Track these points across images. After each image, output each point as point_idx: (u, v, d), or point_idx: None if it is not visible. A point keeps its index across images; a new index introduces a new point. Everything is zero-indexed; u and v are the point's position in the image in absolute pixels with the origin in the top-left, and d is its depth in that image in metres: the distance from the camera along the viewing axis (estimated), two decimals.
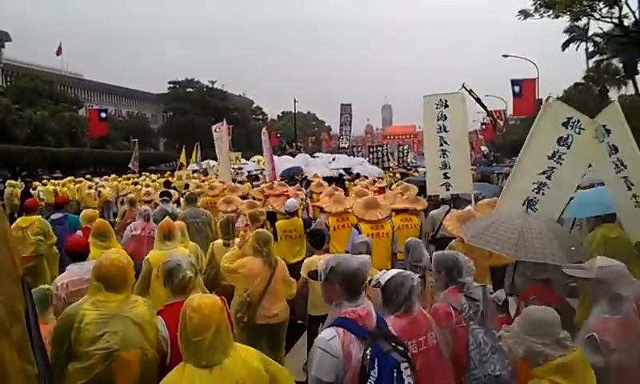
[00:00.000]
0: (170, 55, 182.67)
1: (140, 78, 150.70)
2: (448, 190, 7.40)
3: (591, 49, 40.06)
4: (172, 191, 11.58)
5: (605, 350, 2.69)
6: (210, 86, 77.46)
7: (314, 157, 30.08)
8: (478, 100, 44.93)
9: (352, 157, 31.88)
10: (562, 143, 4.64)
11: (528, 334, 2.40)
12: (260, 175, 21.90)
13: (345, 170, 23.24)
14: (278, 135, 68.16)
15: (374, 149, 36.35)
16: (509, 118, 59.18)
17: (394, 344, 2.55)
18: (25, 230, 6.77)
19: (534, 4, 28.17)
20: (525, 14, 29.46)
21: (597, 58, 40.33)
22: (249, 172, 25.86)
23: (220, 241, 5.97)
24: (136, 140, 34.43)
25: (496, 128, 47.51)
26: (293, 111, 70.16)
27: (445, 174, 7.27)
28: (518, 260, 4.15)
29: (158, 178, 22.57)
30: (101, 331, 2.91)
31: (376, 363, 2.42)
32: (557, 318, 2.47)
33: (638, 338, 2.74)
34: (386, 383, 2.41)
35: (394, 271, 3.05)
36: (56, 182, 22.58)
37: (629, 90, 36.73)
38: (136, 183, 19.35)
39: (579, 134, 4.58)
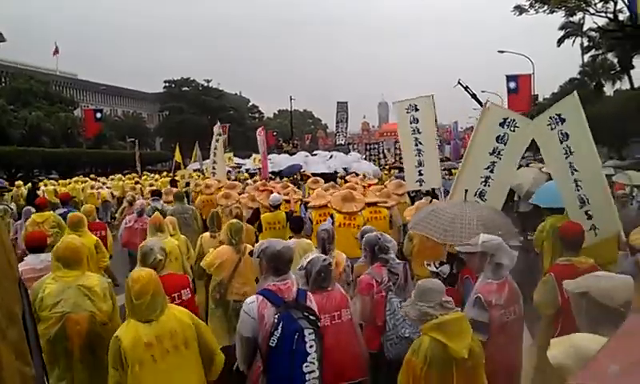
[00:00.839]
0: (165, 54, 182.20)
1: (135, 77, 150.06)
2: (421, 185, 8.05)
3: (586, 44, 40.10)
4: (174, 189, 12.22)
5: (488, 307, 3.38)
6: (206, 84, 77.30)
7: (314, 154, 30.55)
8: (473, 96, 45.13)
9: (349, 154, 32.13)
10: (499, 141, 5.51)
11: (419, 301, 2.95)
12: (258, 172, 22.34)
13: (344, 168, 23.60)
14: (275, 133, 68.11)
15: (371, 146, 36.42)
16: None
17: (305, 314, 3.09)
18: (41, 224, 7.49)
19: None
20: (520, 9, 29.50)
21: (592, 52, 40.37)
22: (247, 170, 26.15)
23: (207, 233, 6.47)
24: (136, 141, 34.54)
25: None
26: (289, 109, 70.21)
27: (419, 171, 7.85)
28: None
29: (162, 178, 23.13)
30: (58, 298, 3.65)
31: (280, 326, 2.97)
32: (441, 286, 3.07)
33: (511, 296, 3.49)
34: (287, 342, 2.95)
35: (312, 255, 3.71)
36: (56, 182, 23.16)
37: (624, 84, 36.82)
38: (137, 183, 19.97)
39: (514, 131, 5.46)
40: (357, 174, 17.87)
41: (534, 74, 36.91)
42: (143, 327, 3.02)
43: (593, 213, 4.99)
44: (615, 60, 35.82)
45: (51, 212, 8.21)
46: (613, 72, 39.50)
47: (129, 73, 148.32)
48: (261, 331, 3.06)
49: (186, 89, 75.84)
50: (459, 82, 43.77)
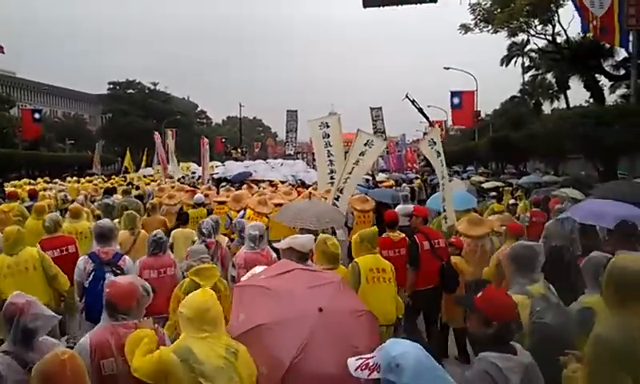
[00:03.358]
0: (111, 57, 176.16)
1: (78, 78, 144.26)
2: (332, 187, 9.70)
3: (527, 64, 41.86)
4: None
5: (237, 267, 5.44)
6: (152, 87, 75.47)
7: (267, 162, 31.45)
8: (420, 110, 45.91)
9: (295, 162, 32.75)
10: (360, 154, 8.19)
11: (189, 258, 4.73)
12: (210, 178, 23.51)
13: (292, 176, 24.10)
14: (224, 140, 67.31)
15: None
16: (449, 129, 61.00)
17: (113, 269, 5.00)
18: (7, 213, 9.16)
19: (474, 19, 29.13)
20: (465, 28, 30.33)
21: (532, 72, 42.20)
22: (200, 177, 26.58)
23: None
24: (102, 142, 35.17)
25: None
26: (238, 116, 69.63)
27: (331, 176, 9.66)
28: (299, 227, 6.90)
29: (116, 181, 23.86)
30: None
31: (92, 274, 4.94)
32: (203, 249, 4.92)
33: (265, 263, 4.89)
34: (95, 285, 4.75)
35: (153, 233, 5.58)
36: (17, 183, 23.29)
37: (561, 103, 38.64)
38: (95, 184, 20.57)
39: (370, 147, 8.23)
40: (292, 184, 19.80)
41: (477, 90, 38.24)
42: (9, 258, 5.33)
43: (447, 206, 8.10)
44: (553, 80, 37.51)
45: (16, 203, 10.24)
46: (551, 91, 41.43)
47: (67, 72, 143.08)
48: (83, 278, 5.01)
49: (131, 91, 73.64)
50: (407, 96, 44.76)
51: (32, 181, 23.64)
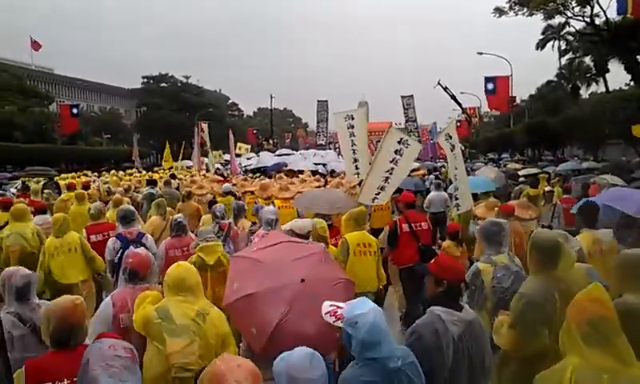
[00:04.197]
0: (144, 51, 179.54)
1: (113, 73, 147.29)
2: (358, 176, 9.92)
3: (564, 47, 40.66)
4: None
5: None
6: (185, 80, 76.43)
7: (300, 153, 32.42)
8: (452, 97, 45.11)
9: (329, 151, 33.09)
10: (397, 153, 7.84)
11: (197, 237, 5.39)
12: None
13: (323, 165, 24.51)
14: (255, 131, 67.75)
15: None
16: (483, 116, 59.86)
17: (138, 244, 5.56)
18: (66, 202, 10.53)
19: (509, 1, 28.44)
20: (499, 11, 29.67)
21: (569, 55, 40.98)
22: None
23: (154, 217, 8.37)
24: (137, 135, 37.07)
25: (470, 125, 48.02)
26: (269, 107, 69.92)
27: (356, 166, 10.00)
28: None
29: (160, 174, 24.52)
30: (7, 239, 6.60)
31: (120, 251, 5.39)
32: (209, 229, 5.63)
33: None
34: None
35: (174, 217, 6.18)
36: (63, 176, 24.86)
37: (599, 87, 37.44)
38: (137, 177, 21.18)
39: (407, 147, 7.86)
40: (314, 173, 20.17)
41: (512, 75, 37.39)
42: (56, 239, 6.17)
43: (459, 194, 8.01)
44: (591, 63, 36.36)
45: (74, 193, 11.31)
46: (588, 75, 40.15)
47: (102, 67, 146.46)
48: (114, 256, 5.70)
49: (164, 85, 74.74)
50: (439, 83, 43.99)
51: (84, 174, 24.83)
